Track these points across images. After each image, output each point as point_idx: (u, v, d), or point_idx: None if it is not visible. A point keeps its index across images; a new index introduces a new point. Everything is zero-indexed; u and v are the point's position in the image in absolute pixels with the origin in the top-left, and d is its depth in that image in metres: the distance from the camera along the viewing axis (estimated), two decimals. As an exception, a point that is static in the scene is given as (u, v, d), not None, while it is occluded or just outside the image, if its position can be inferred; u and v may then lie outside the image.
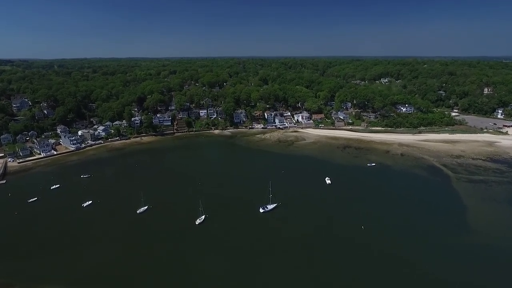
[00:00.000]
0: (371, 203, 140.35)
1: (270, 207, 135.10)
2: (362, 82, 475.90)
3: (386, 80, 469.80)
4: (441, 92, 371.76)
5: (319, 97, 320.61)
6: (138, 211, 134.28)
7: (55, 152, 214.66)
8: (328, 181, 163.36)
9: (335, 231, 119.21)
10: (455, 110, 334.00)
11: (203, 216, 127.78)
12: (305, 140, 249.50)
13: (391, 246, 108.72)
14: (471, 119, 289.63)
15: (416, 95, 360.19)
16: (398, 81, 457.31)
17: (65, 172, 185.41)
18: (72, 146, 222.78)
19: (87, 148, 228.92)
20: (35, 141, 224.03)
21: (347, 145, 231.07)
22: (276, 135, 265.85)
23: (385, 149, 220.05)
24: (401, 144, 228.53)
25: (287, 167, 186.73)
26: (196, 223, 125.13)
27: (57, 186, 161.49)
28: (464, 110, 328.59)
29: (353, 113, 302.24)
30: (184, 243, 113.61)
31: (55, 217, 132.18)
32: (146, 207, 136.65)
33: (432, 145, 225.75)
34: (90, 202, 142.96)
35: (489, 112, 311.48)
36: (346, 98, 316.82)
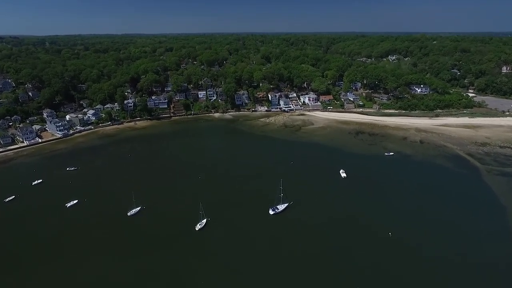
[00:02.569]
0: (395, 202, 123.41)
1: (281, 207, 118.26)
2: (369, 59, 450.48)
3: (394, 57, 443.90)
4: (455, 70, 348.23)
5: (327, 77, 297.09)
6: (129, 213, 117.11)
7: (39, 140, 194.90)
8: (343, 174, 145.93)
9: (358, 238, 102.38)
10: (470, 91, 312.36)
11: (204, 220, 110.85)
12: (313, 124, 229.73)
13: (428, 260, 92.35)
14: (490, 101, 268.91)
15: (428, 74, 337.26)
16: (407, 58, 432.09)
17: (49, 163, 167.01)
18: (59, 132, 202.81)
19: (75, 134, 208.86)
20: (18, 127, 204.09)
21: (359, 131, 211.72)
22: (281, 119, 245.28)
23: (402, 135, 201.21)
24: (418, 130, 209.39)
25: (296, 157, 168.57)
26: (196, 228, 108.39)
27: (39, 181, 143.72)
28: (481, 91, 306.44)
29: (364, 94, 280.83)
30: (182, 253, 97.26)
31: (33, 221, 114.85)
32: (138, 208, 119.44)
33: (452, 130, 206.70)
34: (76, 201, 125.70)
35: (508, 92, 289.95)
36: (356, 78, 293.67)
